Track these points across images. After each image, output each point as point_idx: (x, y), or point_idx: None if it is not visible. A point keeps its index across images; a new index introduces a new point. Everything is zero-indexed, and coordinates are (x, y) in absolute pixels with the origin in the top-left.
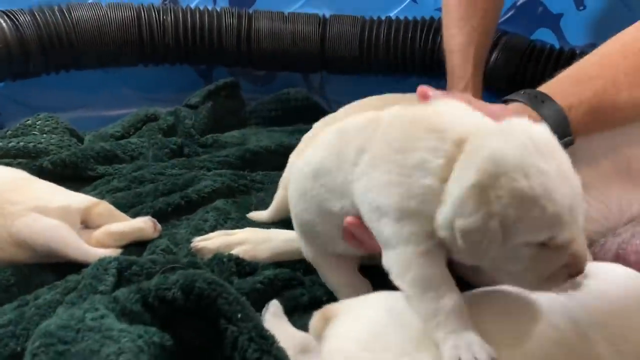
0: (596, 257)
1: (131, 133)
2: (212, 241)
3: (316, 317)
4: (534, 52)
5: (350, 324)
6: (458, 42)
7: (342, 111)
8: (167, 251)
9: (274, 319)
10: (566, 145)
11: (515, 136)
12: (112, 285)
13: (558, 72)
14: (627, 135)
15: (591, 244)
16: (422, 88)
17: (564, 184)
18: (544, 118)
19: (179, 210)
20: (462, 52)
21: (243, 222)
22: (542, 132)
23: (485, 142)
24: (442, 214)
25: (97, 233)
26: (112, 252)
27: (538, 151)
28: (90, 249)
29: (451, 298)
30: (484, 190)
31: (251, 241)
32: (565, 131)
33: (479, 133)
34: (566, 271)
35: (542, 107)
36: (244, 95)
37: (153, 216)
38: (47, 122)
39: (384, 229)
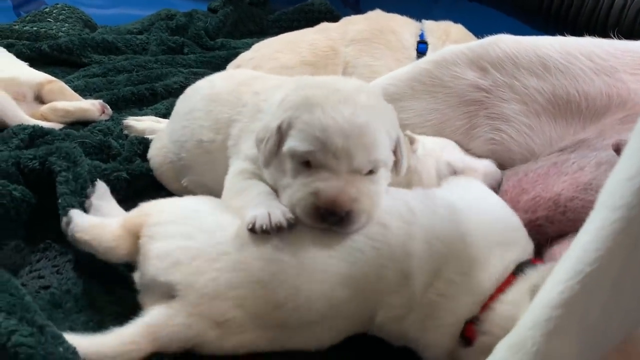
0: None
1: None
2: (141, 122)
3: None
4: None
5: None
6: None
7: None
8: (103, 131)
9: (98, 201)
10: None
11: (324, 79)
12: (15, 146)
13: None
14: (573, 77)
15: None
16: None
17: (350, 120)
18: None
19: (142, 100)
20: None
21: None
22: (355, 82)
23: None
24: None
25: (43, 108)
26: (54, 126)
27: (339, 92)
28: (27, 119)
29: (258, 189)
30: (282, 101)
31: None
32: None
33: None
34: (311, 199)
35: None
36: (278, 4)
37: (116, 102)
38: (63, 12)
39: (232, 163)
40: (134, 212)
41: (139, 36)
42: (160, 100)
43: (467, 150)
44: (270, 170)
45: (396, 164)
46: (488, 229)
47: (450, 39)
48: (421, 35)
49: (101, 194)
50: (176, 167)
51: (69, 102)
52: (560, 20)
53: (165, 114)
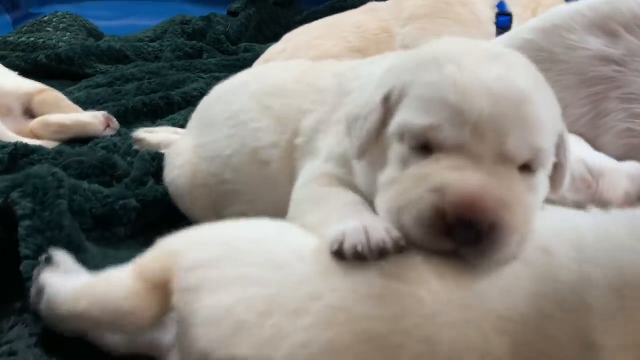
0: None
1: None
2: (155, 135)
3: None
4: None
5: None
6: None
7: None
8: (108, 148)
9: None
10: None
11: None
12: None
13: None
14: None
15: None
16: None
17: (504, 80)
18: None
19: (156, 111)
20: None
21: None
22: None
23: None
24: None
25: (34, 122)
26: (46, 144)
27: (485, 49)
28: (11, 136)
29: (345, 198)
30: (390, 68)
31: None
32: None
33: None
34: (432, 199)
35: None
36: (306, 3)
37: (124, 115)
38: (64, 20)
39: (305, 166)
40: (152, 253)
41: (151, 44)
42: (177, 110)
43: (597, 150)
44: (365, 165)
45: (557, 172)
46: None
47: (543, 7)
48: (500, 6)
49: (59, 266)
50: (213, 193)
51: (65, 115)
52: None
53: (185, 126)
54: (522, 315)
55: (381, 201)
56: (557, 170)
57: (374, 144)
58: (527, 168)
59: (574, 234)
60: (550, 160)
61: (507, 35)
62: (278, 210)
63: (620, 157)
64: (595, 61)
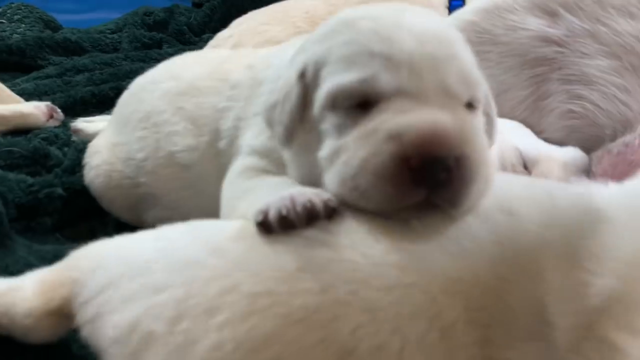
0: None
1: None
2: (93, 124)
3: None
4: None
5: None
6: None
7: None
8: (49, 139)
9: None
10: None
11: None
12: None
13: None
14: None
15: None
16: None
17: (424, 25)
18: None
19: (104, 102)
20: None
21: None
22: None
23: None
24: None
25: None
26: None
27: (395, 6)
28: None
29: (271, 181)
30: (300, 47)
31: None
32: None
33: None
34: (389, 148)
35: None
36: None
37: (72, 106)
38: (18, 11)
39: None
40: (57, 273)
41: (110, 35)
42: None
43: (539, 133)
44: (295, 151)
45: (486, 124)
46: None
47: None
48: None
49: None
50: (130, 196)
51: (4, 105)
52: None
53: None
54: (476, 276)
55: (329, 176)
56: (486, 122)
57: (299, 127)
58: (469, 106)
59: (542, 197)
60: (483, 100)
61: (450, 17)
62: (207, 215)
63: (562, 139)
64: (536, 42)
